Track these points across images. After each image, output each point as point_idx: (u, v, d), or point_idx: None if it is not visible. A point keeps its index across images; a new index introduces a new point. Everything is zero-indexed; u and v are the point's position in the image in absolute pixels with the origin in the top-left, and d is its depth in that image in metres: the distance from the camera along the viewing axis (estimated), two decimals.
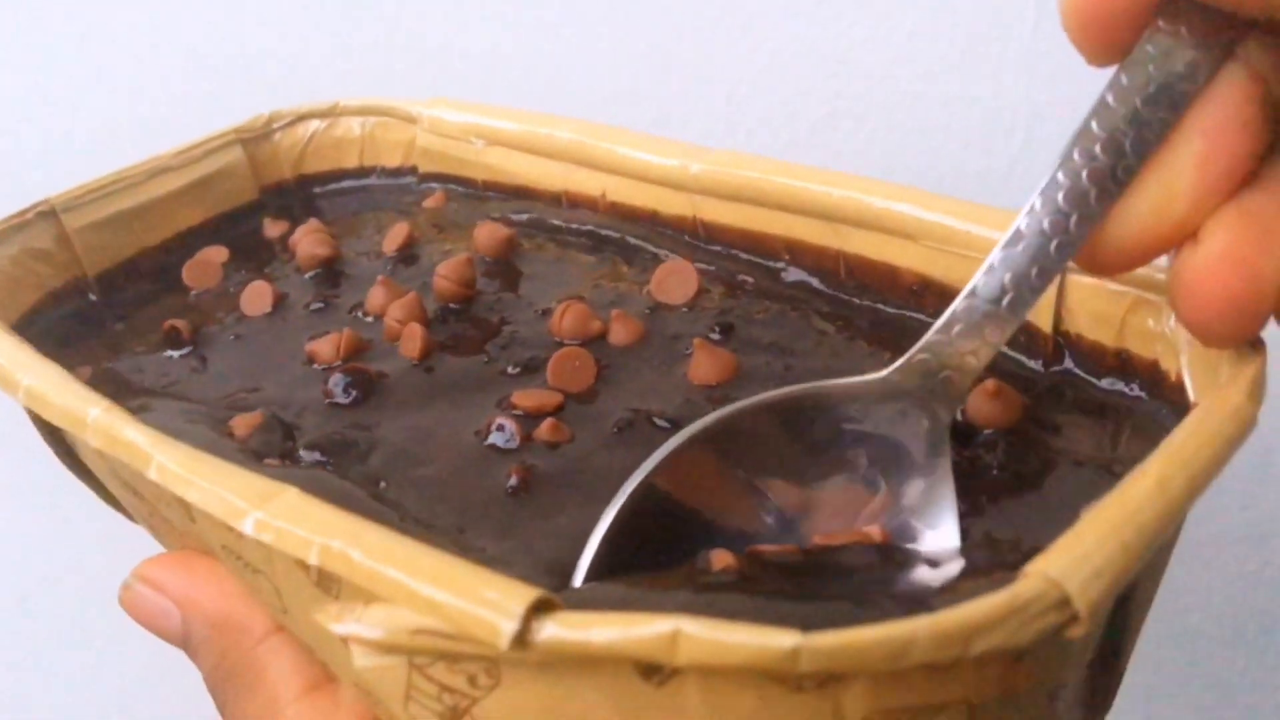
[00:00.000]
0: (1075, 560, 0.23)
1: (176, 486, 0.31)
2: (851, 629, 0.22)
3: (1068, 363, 0.37)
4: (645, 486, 0.31)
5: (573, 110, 0.62)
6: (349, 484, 0.34)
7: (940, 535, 0.31)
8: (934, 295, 0.38)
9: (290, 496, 0.29)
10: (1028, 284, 0.29)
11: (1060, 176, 0.28)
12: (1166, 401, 0.34)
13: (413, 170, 0.52)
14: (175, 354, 0.42)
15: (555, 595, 0.24)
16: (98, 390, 0.35)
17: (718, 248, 0.44)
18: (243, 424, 0.37)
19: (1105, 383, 0.36)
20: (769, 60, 0.62)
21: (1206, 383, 0.32)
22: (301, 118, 0.52)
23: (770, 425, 0.33)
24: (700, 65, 0.62)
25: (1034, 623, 0.22)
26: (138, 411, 0.37)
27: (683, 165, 0.43)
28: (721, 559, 0.29)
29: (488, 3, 0.64)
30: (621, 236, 0.45)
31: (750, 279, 0.42)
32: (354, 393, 0.38)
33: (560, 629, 0.23)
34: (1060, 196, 0.28)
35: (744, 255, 0.43)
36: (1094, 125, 0.28)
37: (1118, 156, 0.28)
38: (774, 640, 0.22)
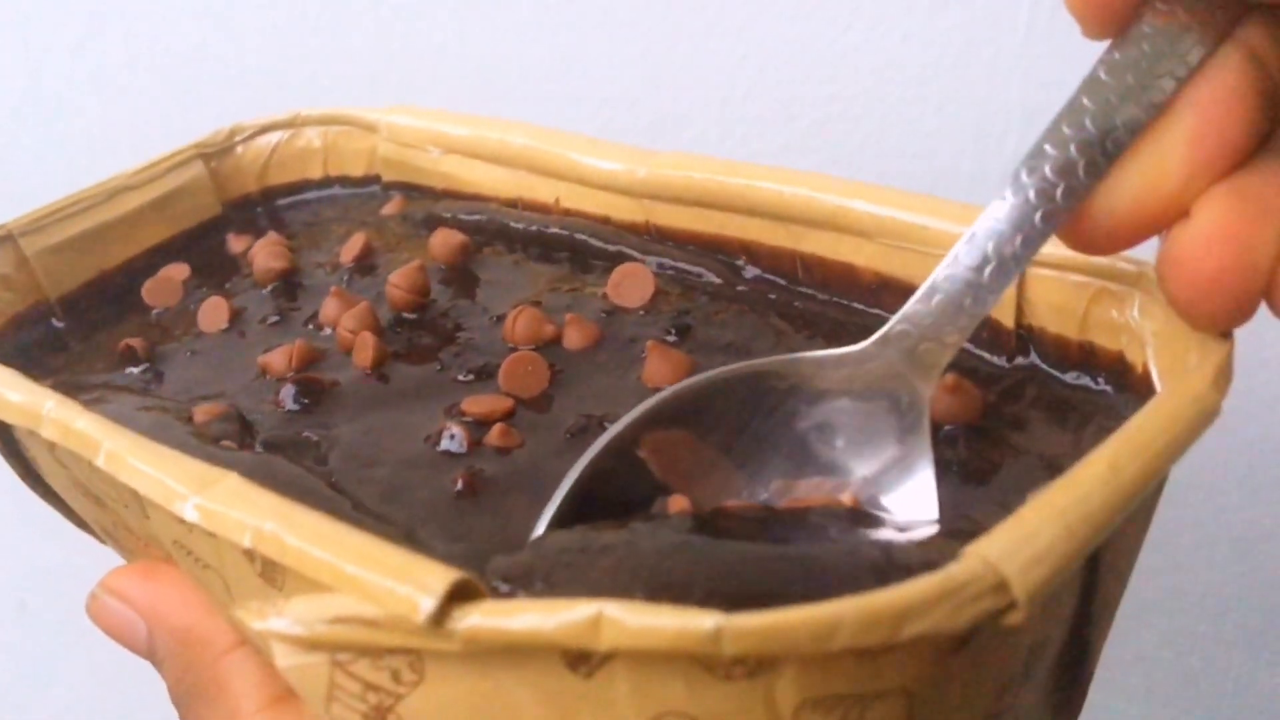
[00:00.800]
0: (1015, 543, 0.23)
1: (122, 473, 0.30)
2: (776, 610, 0.21)
3: (1032, 357, 0.36)
4: (613, 448, 0.31)
5: (565, 114, 0.62)
6: (302, 470, 0.34)
7: (917, 509, 0.30)
8: (893, 293, 0.38)
9: (231, 482, 0.28)
10: (1011, 252, 0.29)
11: (1048, 148, 0.28)
12: (1133, 394, 0.33)
13: (376, 179, 0.52)
14: (134, 370, 0.42)
15: (478, 580, 0.24)
16: None
17: (676, 250, 0.43)
18: (203, 412, 0.37)
19: (1070, 377, 0.35)
20: (764, 64, 0.62)
21: (1173, 374, 0.31)
22: (263, 130, 0.52)
23: (744, 396, 0.32)
24: (695, 69, 0.62)
25: (969, 607, 0.22)
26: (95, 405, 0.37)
27: (629, 170, 0.43)
28: (677, 503, 0.29)
29: (482, 7, 0.64)
30: (580, 240, 0.44)
31: (708, 280, 0.42)
32: (305, 401, 0.38)
33: (482, 617, 0.23)
34: (1047, 167, 0.28)
35: (702, 256, 0.42)
36: (1084, 99, 0.28)
37: (1107, 130, 0.27)
38: (696, 622, 0.21)
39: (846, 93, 0.61)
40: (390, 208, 0.49)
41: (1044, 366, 0.36)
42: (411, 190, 0.50)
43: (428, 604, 0.23)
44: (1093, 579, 0.28)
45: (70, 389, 0.40)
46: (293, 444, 0.36)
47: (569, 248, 0.44)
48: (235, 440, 0.35)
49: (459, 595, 0.23)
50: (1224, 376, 0.28)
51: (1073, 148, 0.28)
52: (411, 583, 0.23)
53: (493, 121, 0.48)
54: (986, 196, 0.30)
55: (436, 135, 0.49)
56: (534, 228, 0.45)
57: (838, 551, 0.26)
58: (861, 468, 0.32)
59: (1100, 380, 0.35)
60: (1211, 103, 0.27)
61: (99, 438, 0.31)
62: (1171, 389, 0.28)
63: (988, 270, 0.29)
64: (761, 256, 0.41)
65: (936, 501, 0.30)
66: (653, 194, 0.43)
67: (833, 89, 0.61)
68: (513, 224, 0.46)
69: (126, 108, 0.68)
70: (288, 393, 0.38)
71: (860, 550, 0.27)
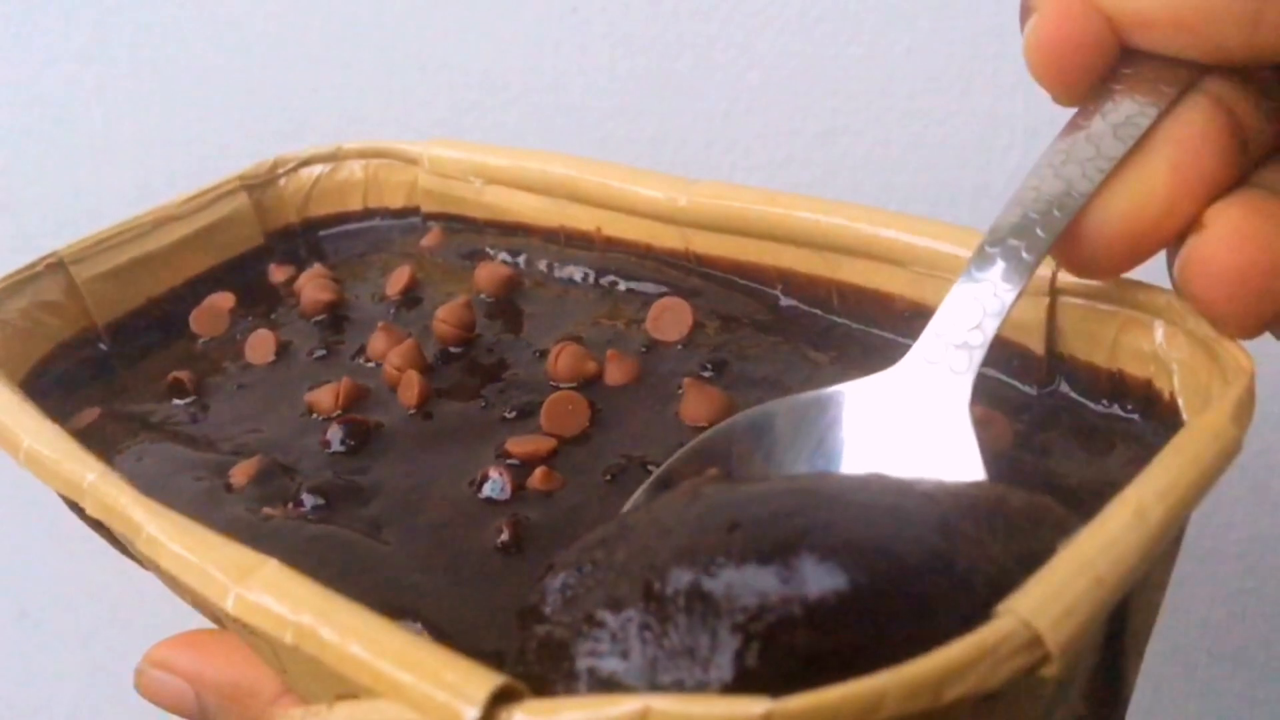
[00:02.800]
0: (1046, 597, 0.23)
1: (163, 559, 0.30)
2: (819, 690, 0.21)
3: (1062, 386, 0.36)
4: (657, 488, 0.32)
5: (570, 126, 0.62)
6: (349, 532, 0.34)
7: None
8: (925, 321, 0.38)
9: (269, 571, 0.28)
10: (1018, 257, 0.31)
11: (1040, 177, 0.31)
12: (1161, 422, 0.34)
13: (416, 211, 0.52)
14: (180, 402, 0.43)
15: (519, 683, 0.24)
16: (101, 434, 0.35)
17: (714, 280, 0.44)
18: (241, 473, 0.37)
19: (1100, 405, 0.36)
20: (766, 76, 0.62)
21: (1198, 403, 0.31)
22: (305, 162, 0.52)
23: (789, 429, 0.33)
24: (697, 82, 0.62)
25: (1005, 665, 0.22)
26: (137, 460, 0.38)
27: (670, 198, 0.43)
28: (712, 471, 0.31)
29: (485, 22, 0.64)
30: (620, 271, 0.45)
31: (745, 312, 0.42)
32: (351, 443, 0.38)
33: (527, 717, 0.23)
34: (1041, 185, 0.31)
35: (740, 286, 0.43)
36: (1063, 143, 0.31)
37: (1089, 157, 0.30)
38: (745, 709, 0.21)
39: (849, 106, 0.61)
40: (429, 239, 0.50)
41: (1073, 395, 0.36)
42: (453, 221, 0.51)
43: (471, 714, 0.23)
44: (1122, 614, 0.28)
45: (117, 419, 0.41)
46: (337, 491, 0.36)
47: (609, 281, 0.45)
48: (277, 501, 0.36)
49: (502, 698, 0.23)
50: (1244, 409, 0.28)
51: (1062, 173, 0.30)
52: (450, 690, 0.23)
53: (533, 152, 0.48)
54: (990, 209, 0.31)
55: (478, 166, 0.49)
56: (575, 261, 0.46)
57: (854, 484, 0.27)
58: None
59: (1129, 408, 0.35)
60: (1186, 138, 0.29)
61: (140, 521, 0.31)
62: (1193, 427, 0.28)
63: (1000, 272, 0.31)
64: (798, 284, 0.42)
65: None
66: (693, 222, 0.43)
67: (835, 102, 0.61)
68: (554, 258, 0.47)
69: (152, 146, 0.69)
70: (334, 434, 0.38)
71: (876, 484, 0.27)
